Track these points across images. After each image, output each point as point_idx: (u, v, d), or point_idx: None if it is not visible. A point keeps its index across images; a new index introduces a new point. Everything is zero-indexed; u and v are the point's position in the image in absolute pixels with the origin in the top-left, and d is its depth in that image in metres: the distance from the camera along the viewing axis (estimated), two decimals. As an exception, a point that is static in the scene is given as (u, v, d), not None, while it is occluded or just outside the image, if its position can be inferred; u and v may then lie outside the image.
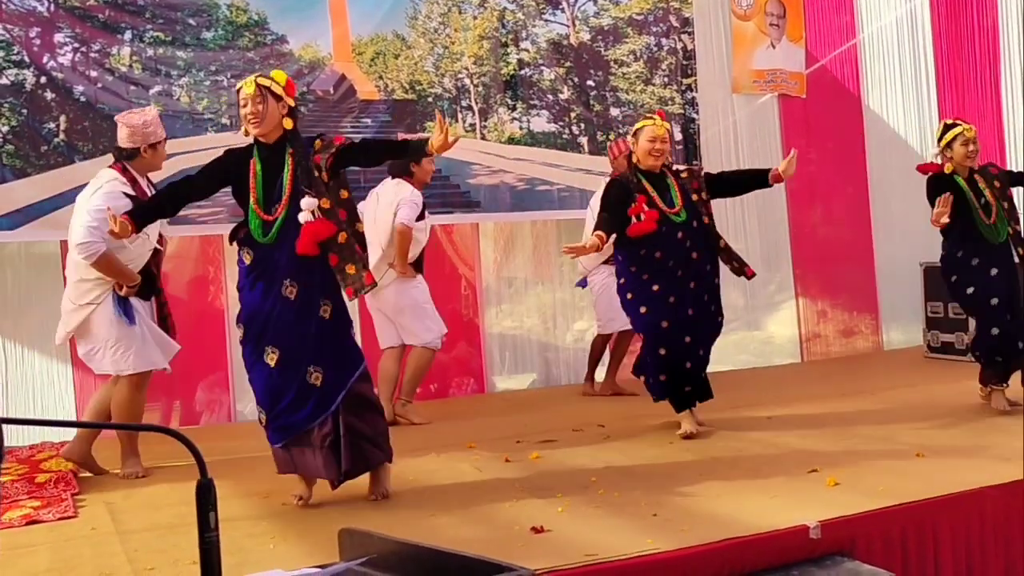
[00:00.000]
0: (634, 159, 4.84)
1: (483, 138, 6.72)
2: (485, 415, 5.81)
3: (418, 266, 5.54)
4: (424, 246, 5.56)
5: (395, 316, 5.48)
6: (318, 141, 3.73)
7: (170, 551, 3.20)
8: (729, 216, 7.62)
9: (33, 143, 5.48)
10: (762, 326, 7.87)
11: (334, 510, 3.65)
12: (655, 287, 4.66)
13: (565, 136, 6.95)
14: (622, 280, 4.84)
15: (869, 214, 8.09)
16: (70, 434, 4.64)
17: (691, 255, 4.72)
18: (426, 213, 5.54)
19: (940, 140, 5.11)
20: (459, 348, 6.69)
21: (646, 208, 4.64)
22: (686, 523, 3.25)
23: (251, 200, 3.67)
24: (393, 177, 5.47)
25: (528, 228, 6.99)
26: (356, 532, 2.45)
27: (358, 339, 6.10)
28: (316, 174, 3.66)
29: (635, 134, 4.82)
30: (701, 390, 4.84)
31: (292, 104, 3.73)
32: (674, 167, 5.00)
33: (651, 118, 4.80)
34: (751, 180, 4.95)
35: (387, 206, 5.39)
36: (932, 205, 4.92)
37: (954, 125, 5.08)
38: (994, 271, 4.98)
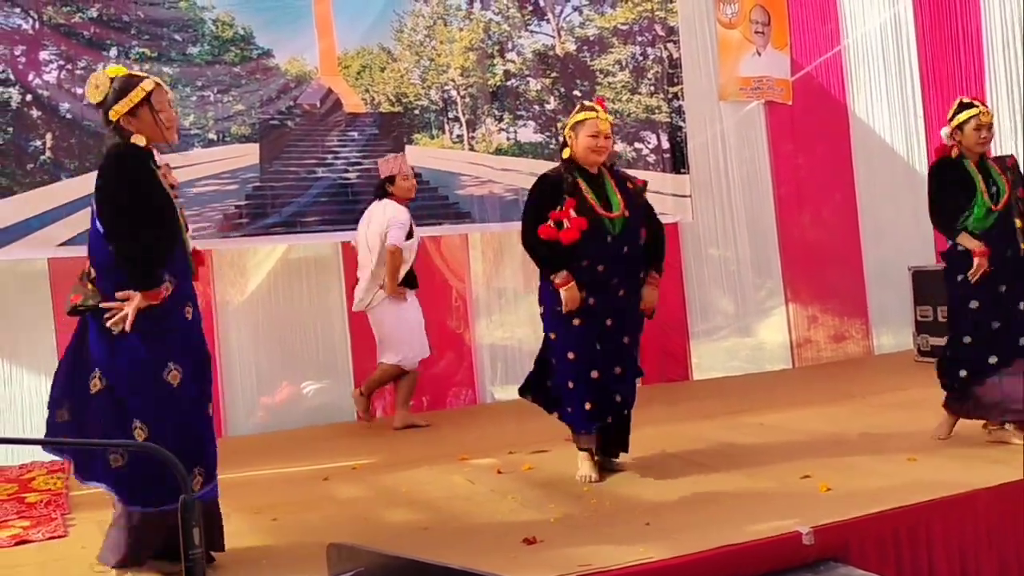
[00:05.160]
0: (570, 155, 4.14)
1: (471, 149, 6.72)
2: (477, 426, 5.80)
3: (411, 283, 5.70)
4: (412, 264, 5.72)
5: (377, 332, 5.72)
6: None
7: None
8: (718, 222, 7.66)
9: (19, 161, 5.46)
10: (753, 332, 7.87)
11: (322, 524, 3.63)
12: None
13: (552, 146, 6.94)
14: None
15: (857, 219, 8.12)
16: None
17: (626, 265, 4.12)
18: (414, 231, 5.67)
19: (951, 119, 4.39)
20: (451, 359, 6.68)
21: (573, 214, 4.01)
22: (679, 531, 3.24)
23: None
24: (379, 199, 5.68)
25: (517, 238, 6.92)
26: (344, 546, 2.43)
27: (349, 357, 6.25)
28: None
29: (574, 127, 4.10)
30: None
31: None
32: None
33: (592, 109, 4.12)
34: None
35: (377, 227, 5.59)
36: (935, 200, 4.36)
37: (970, 105, 4.36)
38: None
